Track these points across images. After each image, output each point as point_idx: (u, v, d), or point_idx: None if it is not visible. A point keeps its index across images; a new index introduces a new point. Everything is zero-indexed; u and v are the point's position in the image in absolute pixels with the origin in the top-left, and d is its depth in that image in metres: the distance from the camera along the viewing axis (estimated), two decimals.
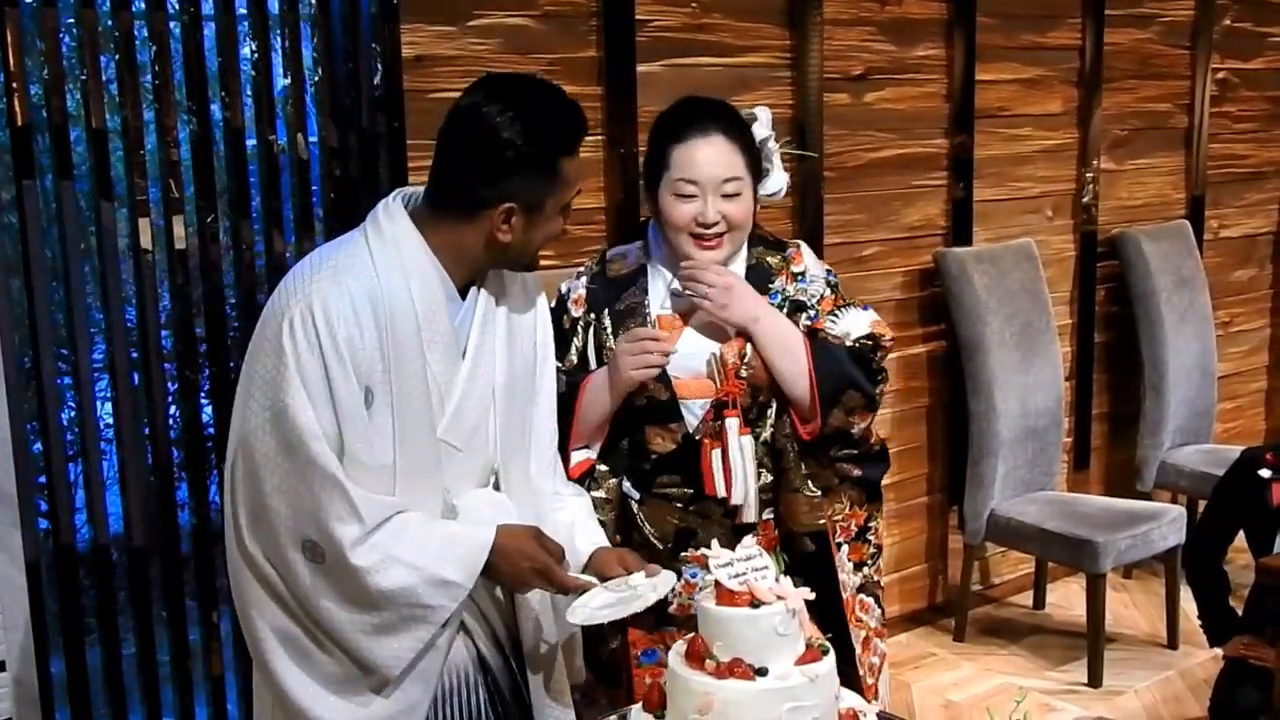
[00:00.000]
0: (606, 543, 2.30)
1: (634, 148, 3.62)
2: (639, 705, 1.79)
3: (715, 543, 1.75)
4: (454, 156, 2.06)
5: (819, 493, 2.53)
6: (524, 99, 2.04)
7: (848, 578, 2.58)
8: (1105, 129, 4.88)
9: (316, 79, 3.24)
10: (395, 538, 1.99)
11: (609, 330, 2.53)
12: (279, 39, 3.17)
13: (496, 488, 2.21)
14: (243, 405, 2.02)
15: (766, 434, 2.54)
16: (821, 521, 2.53)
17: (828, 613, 2.49)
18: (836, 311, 2.56)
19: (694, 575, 2.50)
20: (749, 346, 2.48)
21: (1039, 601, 4.77)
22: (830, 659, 1.70)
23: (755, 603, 1.69)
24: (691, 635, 1.73)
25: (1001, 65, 4.54)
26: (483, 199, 2.03)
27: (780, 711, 1.64)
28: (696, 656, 1.70)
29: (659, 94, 3.62)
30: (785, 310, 2.53)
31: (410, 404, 2.02)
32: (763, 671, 1.67)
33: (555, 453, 2.36)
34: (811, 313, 2.54)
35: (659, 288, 2.55)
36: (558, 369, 2.40)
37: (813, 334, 2.54)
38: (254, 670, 2.15)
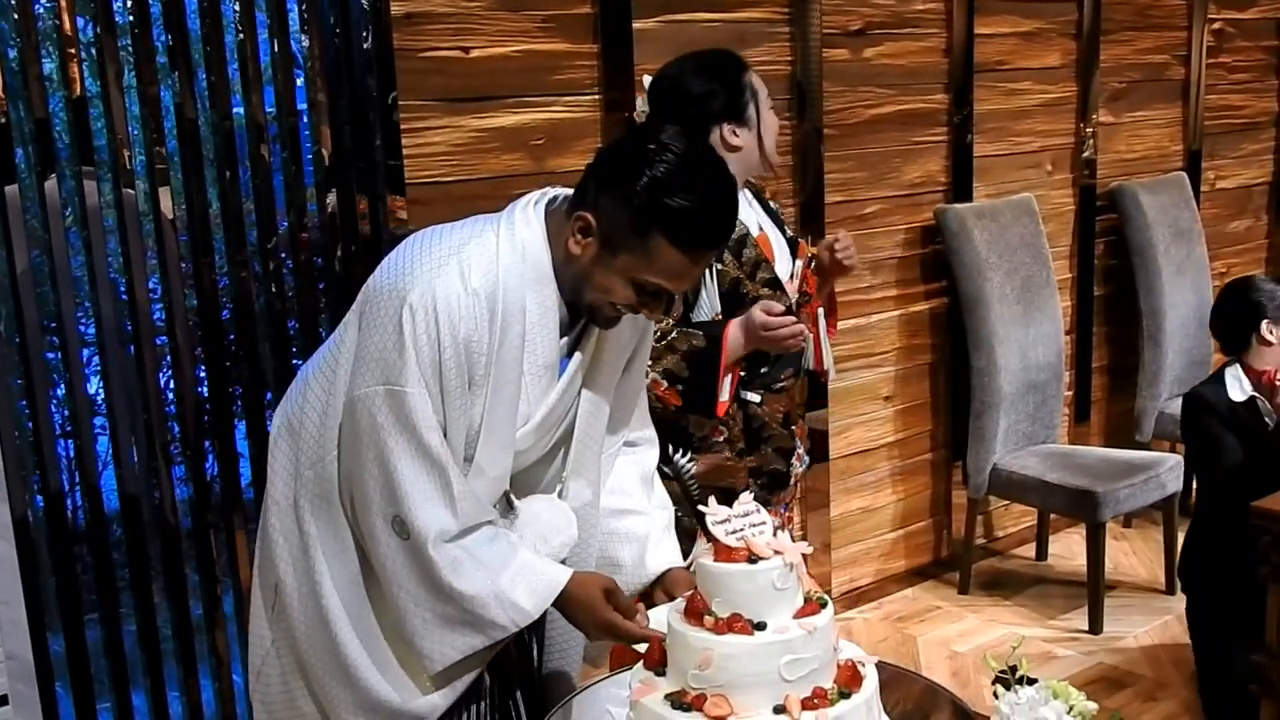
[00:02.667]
0: (680, 561, 2.28)
1: (630, 106, 3.63)
2: (640, 663, 1.81)
3: (712, 500, 1.77)
4: (598, 158, 2.01)
5: None
6: (690, 162, 1.92)
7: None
8: (1103, 82, 4.87)
9: (304, 40, 3.20)
10: (481, 545, 1.98)
11: (726, 260, 2.80)
12: (263, 6, 3.13)
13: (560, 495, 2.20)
14: (350, 366, 1.99)
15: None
16: None
17: None
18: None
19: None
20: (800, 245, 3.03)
21: (1041, 553, 4.82)
22: (829, 611, 1.73)
23: (753, 558, 1.70)
24: (690, 592, 1.75)
25: (1000, 19, 4.52)
26: (584, 194, 1.96)
27: (778, 664, 1.65)
28: (695, 613, 1.71)
29: (656, 51, 3.59)
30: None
31: (499, 407, 2.00)
32: (761, 626, 1.67)
33: (644, 464, 2.35)
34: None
35: (748, 208, 2.86)
36: (694, 324, 2.77)
37: None
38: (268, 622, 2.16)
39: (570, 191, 2.03)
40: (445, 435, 1.96)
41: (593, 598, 2.01)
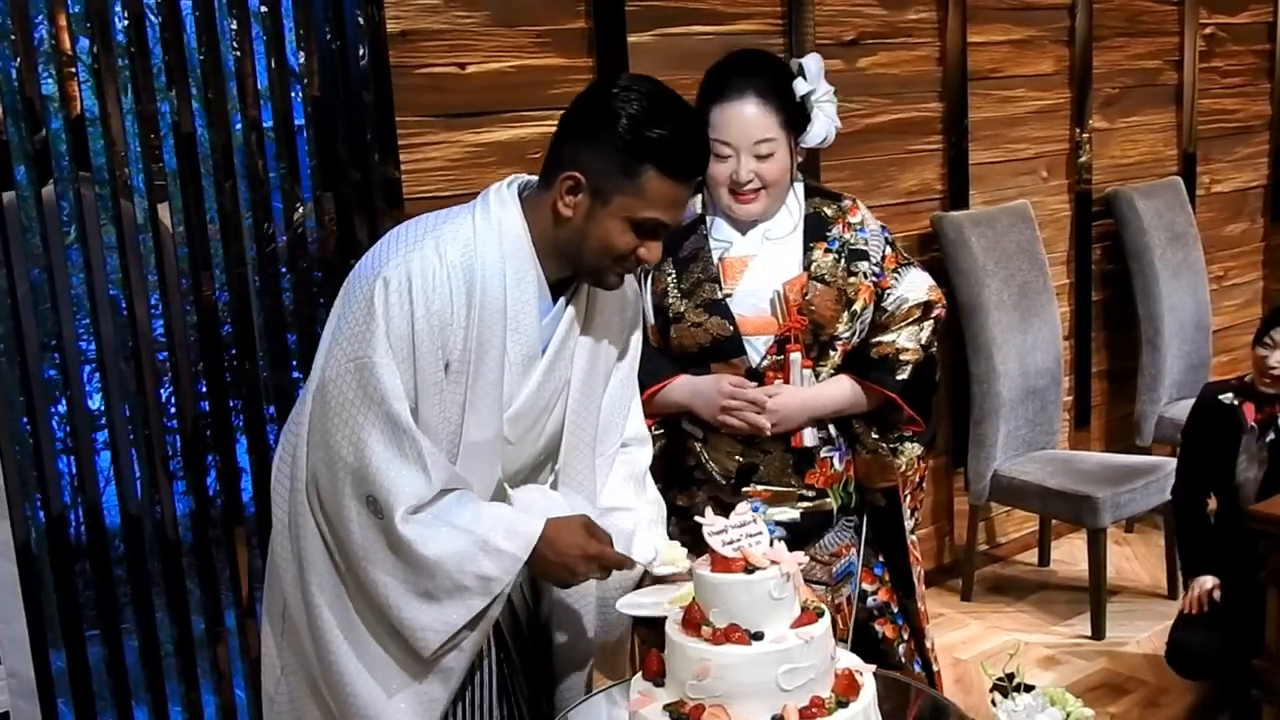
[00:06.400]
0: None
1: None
2: (639, 674, 1.82)
3: (709, 510, 1.78)
4: (563, 123, 2.03)
5: (889, 452, 2.68)
6: (659, 96, 1.99)
7: (908, 523, 2.75)
8: (1097, 88, 4.89)
9: (301, 57, 3.22)
10: (451, 509, 1.98)
11: (673, 277, 2.60)
12: (259, 19, 3.15)
13: (553, 486, 2.20)
14: (325, 355, 2.01)
15: (825, 374, 2.62)
16: (892, 480, 2.68)
17: (891, 557, 2.75)
18: (899, 269, 2.67)
19: (756, 508, 2.55)
20: (812, 284, 2.57)
21: (1044, 558, 4.83)
22: (825, 621, 1.73)
23: (750, 568, 1.71)
24: (689, 603, 1.76)
25: (993, 27, 4.54)
26: (561, 158, 1.99)
27: (776, 674, 1.66)
28: (693, 623, 1.72)
29: (651, 64, 3.62)
30: (844, 256, 2.60)
31: (482, 387, 2.01)
32: (758, 636, 1.68)
33: (635, 464, 2.33)
34: (877, 269, 2.64)
35: (720, 236, 2.63)
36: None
37: (879, 297, 2.63)
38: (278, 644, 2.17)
39: (533, 179, 2.07)
40: (419, 417, 1.96)
41: (573, 533, 2.02)
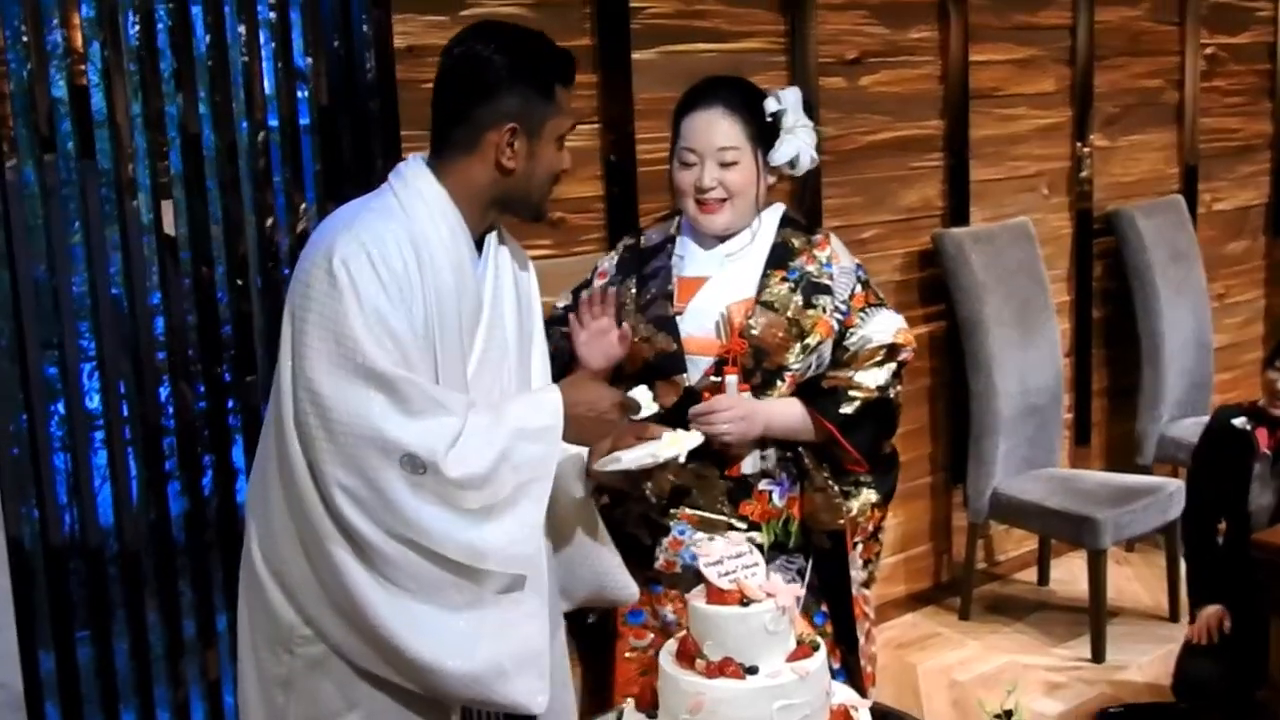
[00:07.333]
0: None
1: (629, 136, 3.65)
2: (631, 704, 1.81)
3: (708, 540, 1.77)
4: (451, 92, 2.11)
5: (840, 494, 2.61)
6: (513, 32, 2.15)
7: (856, 574, 2.65)
8: (1098, 106, 4.89)
9: (307, 64, 3.24)
10: (475, 424, 2.00)
11: (633, 292, 2.63)
12: (268, 26, 3.17)
13: None
14: (297, 358, 1.99)
15: None
16: (840, 522, 2.61)
17: (835, 607, 2.62)
18: (867, 309, 2.63)
19: (682, 532, 2.57)
20: (759, 309, 2.55)
21: (1043, 578, 4.80)
22: (821, 655, 1.72)
23: (745, 601, 1.70)
24: (683, 634, 1.75)
25: (994, 46, 4.55)
26: (483, 121, 2.07)
27: (771, 710, 1.64)
28: (687, 656, 1.70)
29: (654, 81, 3.64)
30: (801, 288, 2.58)
31: (449, 351, 2.06)
32: (753, 670, 1.66)
33: None
34: (842, 306, 2.60)
35: (684, 255, 2.64)
36: (565, 334, 2.56)
37: (842, 333, 2.59)
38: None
39: (420, 155, 2.15)
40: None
41: (588, 384, 2.18)
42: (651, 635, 2.58)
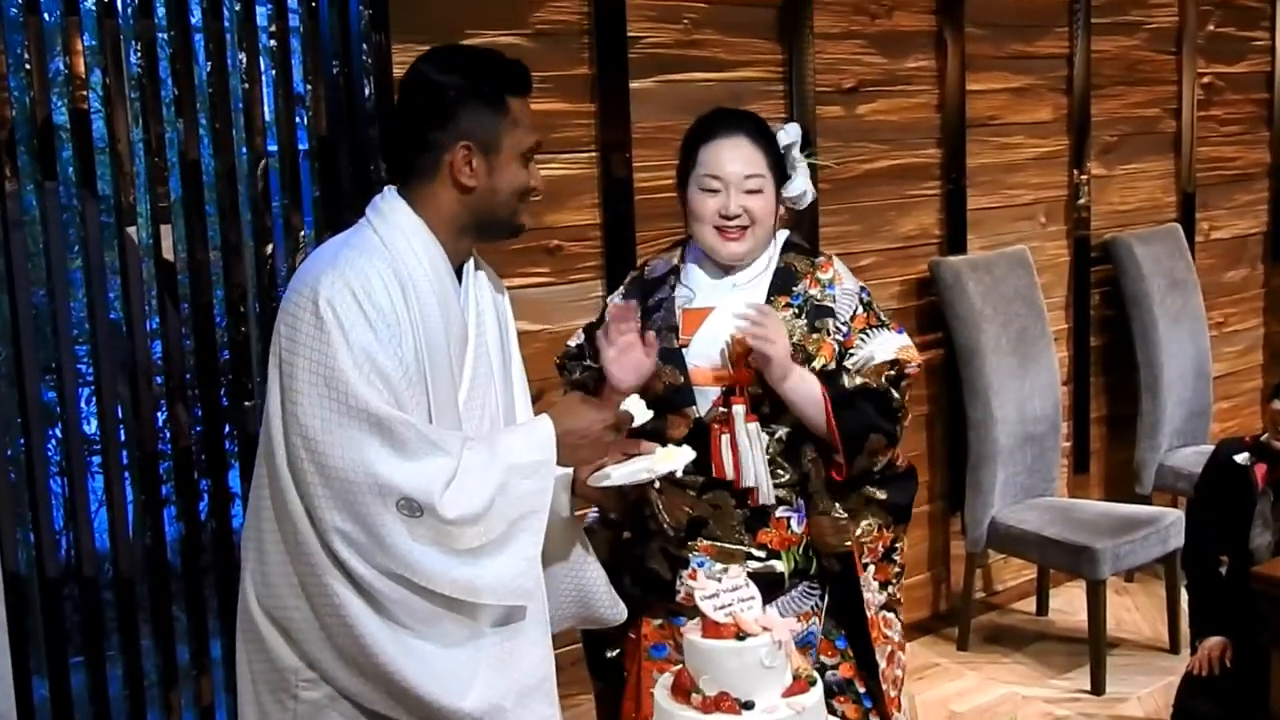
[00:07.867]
0: None
1: (627, 164, 3.65)
2: None
3: (701, 574, 1.75)
4: (408, 119, 2.12)
5: (845, 515, 2.58)
6: (461, 52, 2.22)
7: (873, 596, 2.61)
8: (1095, 135, 4.90)
9: (307, 90, 3.26)
10: (469, 462, 1.99)
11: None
12: (269, 53, 3.20)
13: None
14: (289, 403, 1.98)
15: (783, 432, 2.56)
16: (847, 544, 2.58)
17: (854, 631, 2.59)
18: (869, 330, 2.61)
19: (701, 564, 2.53)
20: None
21: (1042, 608, 4.77)
22: (818, 690, 1.70)
23: (741, 635, 1.68)
24: (679, 668, 1.73)
25: (991, 75, 4.57)
26: (440, 143, 2.07)
27: None
28: (683, 690, 1.69)
29: (652, 110, 3.65)
30: (806, 313, 2.58)
31: (439, 380, 2.05)
32: (749, 705, 1.65)
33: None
34: (843, 328, 2.59)
35: (690, 285, 2.64)
36: (588, 367, 2.59)
37: (842, 354, 2.57)
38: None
39: (394, 187, 2.13)
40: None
41: (578, 408, 2.13)
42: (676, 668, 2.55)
